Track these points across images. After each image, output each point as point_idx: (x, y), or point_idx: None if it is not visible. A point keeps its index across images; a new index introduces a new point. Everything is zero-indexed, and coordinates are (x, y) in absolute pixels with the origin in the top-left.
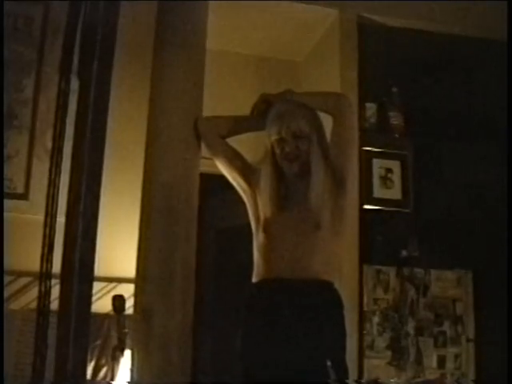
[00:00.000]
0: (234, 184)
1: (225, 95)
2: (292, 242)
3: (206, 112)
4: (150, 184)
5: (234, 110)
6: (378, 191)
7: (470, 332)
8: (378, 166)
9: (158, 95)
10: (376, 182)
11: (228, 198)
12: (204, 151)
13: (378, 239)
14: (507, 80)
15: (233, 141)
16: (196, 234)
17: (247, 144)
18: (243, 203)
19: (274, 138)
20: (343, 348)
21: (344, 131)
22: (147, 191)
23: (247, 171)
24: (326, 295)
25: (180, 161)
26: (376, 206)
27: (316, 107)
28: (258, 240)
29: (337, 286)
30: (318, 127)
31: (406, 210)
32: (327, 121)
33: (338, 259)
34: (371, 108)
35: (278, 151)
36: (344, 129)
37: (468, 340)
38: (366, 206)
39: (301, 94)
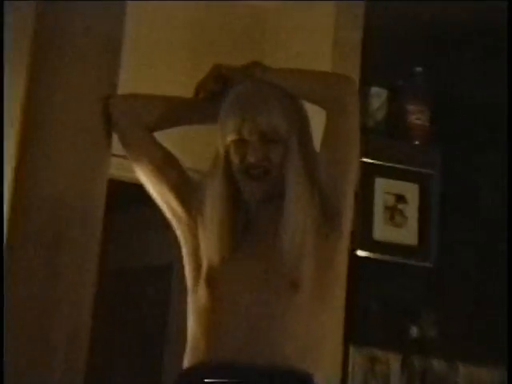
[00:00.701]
0: (163, 205)
1: (155, 64)
2: (251, 308)
3: (125, 89)
4: (25, 199)
5: (168, 88)
6: (382, 230)
7: None
8: (383, 189)
9: (41, 69)
10: (379, 214)
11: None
12: (116, 147)
13: (375, 306)
14: (507, 80)
15: (163, 136)
16: (95, 277)
17: (187, 145)
18: (173, 234)
19: (230, 138)
20: None
21: (344, 134)
22: (20, 209)
23: (185, 187)
24: None
25: (76, 162)
26: (376, 253)
27: (300, 93)
28: (196, 299)
29: (318, 379)
30: (302, 126)
31: (424, 264)
32: (317, 116)
33: (320, 338)
34: (379, 96)
35: (235, 160)
36: (344, 130)
37: None
38: (360, 253)
39: (277, 72)
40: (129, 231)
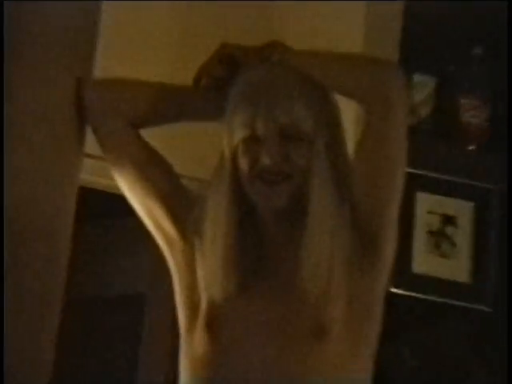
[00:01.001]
0: (149, 223)
1: (136, 51)
2: (265, 360)
3: (104, 73)
4: None
5: (159, 73)
6: (423, 262)
7: None
8: (426, 207)
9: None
10: (420, 241)
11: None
12: (91, 146)
13: (411, 359)
14: (507, 81)
15: (151, 134)
16: (60, 305)
17: (181, 146)
18: (160, 258)
19: (239, 135)
20: None
21: (388, 138)
22: None
23: (178, 200)
24: None
25: (40, 163)
26: (415, 291)
27: (331, 83)
28: (191, 345)
29: None
30: (332, 122)
31: (478, 307)
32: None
33: None
34: (424, 85)
35: (245, 164)
36: (389, 133)
37: None
38: (395, 290)
39: (301, 55)
40: (97, 252)
